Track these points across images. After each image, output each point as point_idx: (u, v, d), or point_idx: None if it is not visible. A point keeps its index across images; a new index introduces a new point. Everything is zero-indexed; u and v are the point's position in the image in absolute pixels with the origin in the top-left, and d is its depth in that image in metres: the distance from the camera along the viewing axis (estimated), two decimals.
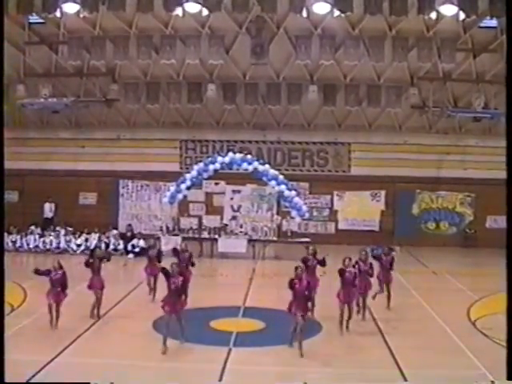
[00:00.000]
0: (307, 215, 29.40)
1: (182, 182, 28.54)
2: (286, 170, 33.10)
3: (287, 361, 12.70)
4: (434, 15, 27.03)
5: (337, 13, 26.79)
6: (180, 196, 28.85)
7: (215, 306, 18.14)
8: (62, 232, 29.96)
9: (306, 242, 28.17)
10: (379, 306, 18.25)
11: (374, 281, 17.62)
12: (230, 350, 13.64)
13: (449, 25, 28.13)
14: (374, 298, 17.82)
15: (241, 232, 29.79)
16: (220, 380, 11.75)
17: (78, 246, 29.25)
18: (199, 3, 26.05)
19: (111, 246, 29.07)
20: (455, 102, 31.75)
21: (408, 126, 33.77)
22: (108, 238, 29.56)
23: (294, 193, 28.44)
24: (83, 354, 13.16)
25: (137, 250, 28.82)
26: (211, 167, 28.36)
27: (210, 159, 29.18)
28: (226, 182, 33.92)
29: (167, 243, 27.53)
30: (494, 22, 27.98)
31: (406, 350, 13.73)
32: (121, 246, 29.09)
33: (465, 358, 13.35)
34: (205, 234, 29.64)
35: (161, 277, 15.73)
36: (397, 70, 30.28)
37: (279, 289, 21.62)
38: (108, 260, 18.07)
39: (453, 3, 25.31)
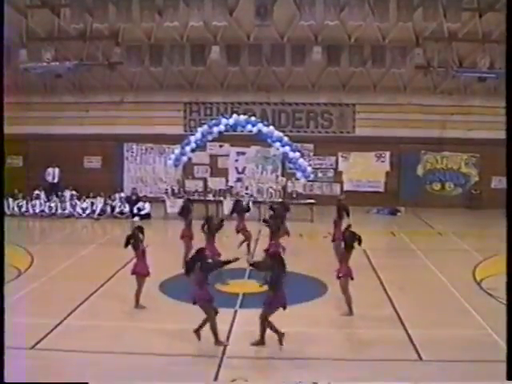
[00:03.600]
0: (312, 176, 29.44)
1: (187, 145, 28.50)
2: (291, 131, 33.01)
3: (293, 321, 12.78)
4: None
5: None
6: (184, 158, 28.83)
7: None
8: (68, 196, 30.05)
9: (311, 204, 28.40)
10: (385, 267, 18.36)
11: None
12: (235, 311, 13.74)
13: None
14: None
15: (246, 194, 29.83)
16: (227, 339, 11.87)
17: (84, 209, 29.37)
18: None
19: (117, 209, 29.23)
20: (460, 62, 31.50)
21: (413, 86, 33.55)
22: (114, 201, 29.65)
23: (298, 154, 28.40)
24: (91, 316, 13.25)
25: (142, 212, 28.92)
26: (215, 129, 28.29)
27: (214, 121, 29.08)
28: (231, 143, 33.93)
29: (172, 206, 27.74)
30: None
31: (411, 311, 13.83)
32: (126, 209, 29.18)
33: (470, 318, 13.45)
34: (210, 197, 29.76)
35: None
36: (402, 30, 29.98)
37: (285, 250, 21.74)
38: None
39: None
